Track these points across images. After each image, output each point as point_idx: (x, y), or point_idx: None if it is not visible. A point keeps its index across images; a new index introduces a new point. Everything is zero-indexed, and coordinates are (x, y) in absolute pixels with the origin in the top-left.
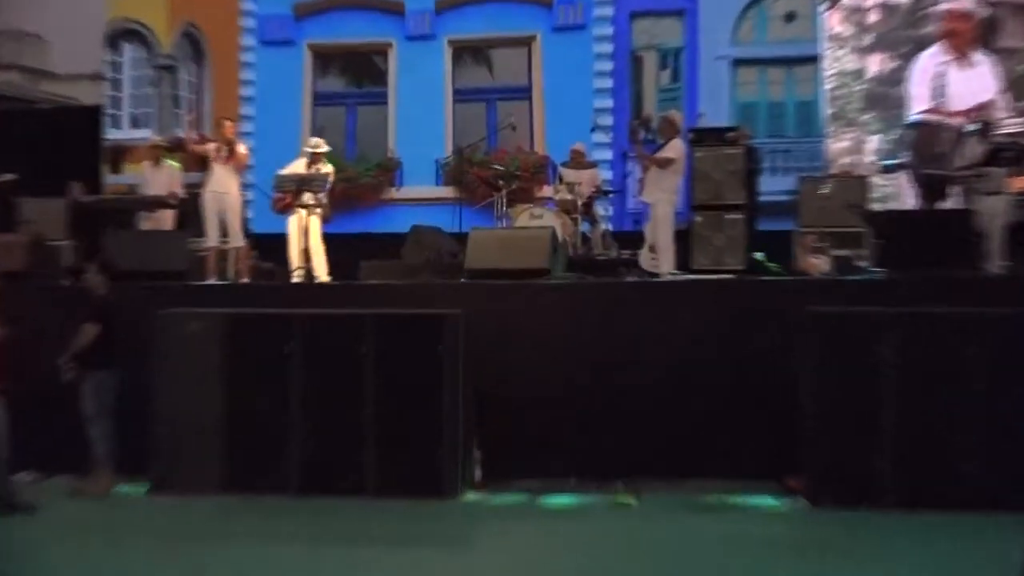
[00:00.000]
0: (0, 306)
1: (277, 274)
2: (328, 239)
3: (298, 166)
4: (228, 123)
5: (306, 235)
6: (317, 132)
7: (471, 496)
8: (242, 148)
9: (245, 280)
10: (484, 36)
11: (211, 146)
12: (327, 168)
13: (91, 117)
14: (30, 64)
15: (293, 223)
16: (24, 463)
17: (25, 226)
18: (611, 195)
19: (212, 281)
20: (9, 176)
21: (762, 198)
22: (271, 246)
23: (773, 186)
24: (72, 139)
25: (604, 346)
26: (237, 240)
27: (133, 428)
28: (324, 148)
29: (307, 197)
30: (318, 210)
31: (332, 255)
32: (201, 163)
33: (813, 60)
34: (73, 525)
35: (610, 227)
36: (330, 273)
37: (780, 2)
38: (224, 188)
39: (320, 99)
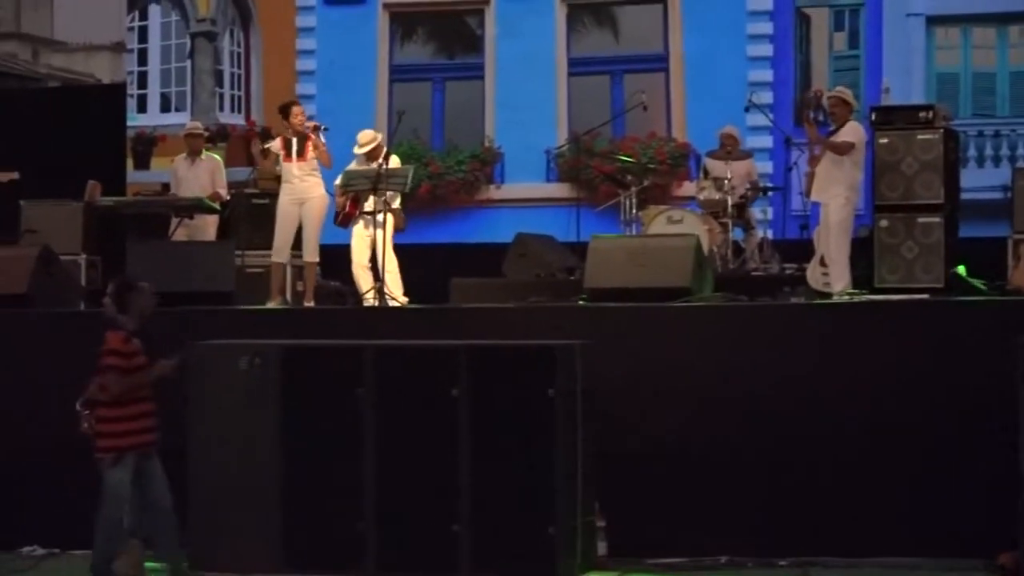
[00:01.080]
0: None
1: (346, 296)
2: (408, 251)
3: (359, 164)
4: (296, 108)
5: (373, 247)
6: (395, 115)
7: None
8: (317, 137)
9: (309, 304)
10: None
11: (275, 144)
12: (397, 164)
13: (111, 98)
14: (34, 32)
15: (359, 233)
16: (31, 535)
17: (29, 237)
18: (771, 193)
19: (266, 305)
20: (8, 174)
21: (965, 196)
22: (336, 260)
23: (980, 180)
24: (88, 126)
25: (762, 387)
26: (312, 255)
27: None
28: (371, 144)
29: (375, 200)
30: (389, 218)
31: (415, 271)
32: (254, 156)
33: None
34: None
35: (769, 234)
36: (407, 294)
37: None
38: (306, 193)
39: (399, 73)
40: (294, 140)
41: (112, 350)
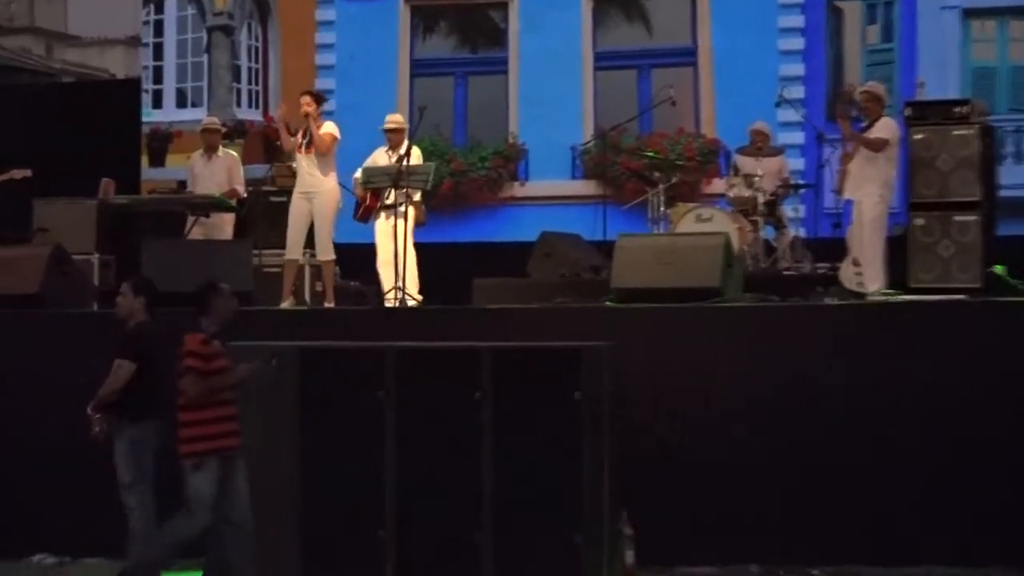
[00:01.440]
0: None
1: (367, 296)
2: (430, 251)
3: (379, 157)
4: (306, 98)
5: (395, 244)
6: (417, 110)
7: None
8: (325, 127)
9: (329, 304)
10: None
11: (296, 138)
12: (418, 157)
13: (126, 93)
14: (47, 26)
15: (381, 227)
16: (42, 543)
17: (42, 235)
18: (803, 190)
19: (284, 306)
20: (22, 171)
21: (1004, 193)
22: (357, 259)
23: (1018, 177)
24: (102, 122)
25: (793, 390)
26: (325, 253)
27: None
28: (395, 125)
29: (396, 195)
30: (409, 211)
31: (437, 270)
32: (272, 152)
33: None
34: None
35: (801, 233)
36: (427, 293)
37: None
38: (313, 186)
39: (420, 68)
40: (310, 131)
41: (191, 352)
